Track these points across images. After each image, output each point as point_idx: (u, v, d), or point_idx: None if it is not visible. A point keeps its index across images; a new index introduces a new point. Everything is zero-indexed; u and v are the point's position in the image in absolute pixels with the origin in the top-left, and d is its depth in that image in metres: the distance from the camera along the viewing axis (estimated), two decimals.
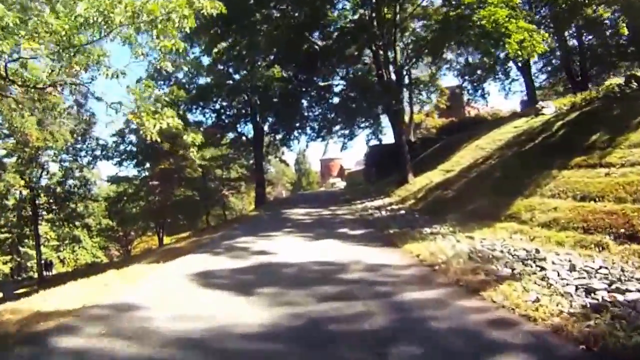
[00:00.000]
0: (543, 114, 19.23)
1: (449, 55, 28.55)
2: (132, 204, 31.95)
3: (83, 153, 32.72)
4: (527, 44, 16.33)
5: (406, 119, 35.15)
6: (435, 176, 18.77)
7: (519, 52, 16.51)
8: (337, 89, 25.21)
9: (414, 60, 21.40)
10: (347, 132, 26.03)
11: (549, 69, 32.71)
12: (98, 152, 32.23)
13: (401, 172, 20.19)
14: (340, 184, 55.94)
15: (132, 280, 6.84)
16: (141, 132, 8.10)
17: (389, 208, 15.78)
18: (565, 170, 10.45)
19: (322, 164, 67.75)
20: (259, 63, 23.04)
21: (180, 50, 7.96)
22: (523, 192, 10.40)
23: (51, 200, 30.63)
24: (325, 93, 24.71)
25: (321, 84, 23.02)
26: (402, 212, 14.27)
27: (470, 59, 32.17)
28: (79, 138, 31.36)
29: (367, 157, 35.09)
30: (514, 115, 25.91)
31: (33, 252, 43.66)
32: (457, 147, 21.56)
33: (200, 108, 28.27)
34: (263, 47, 20.19)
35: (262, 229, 12.15)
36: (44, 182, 30.95)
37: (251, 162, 30.60)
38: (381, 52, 19.99)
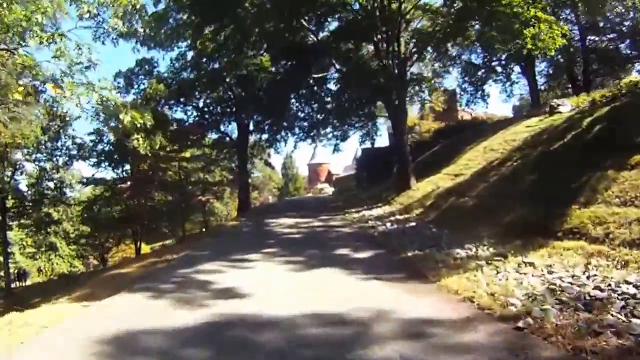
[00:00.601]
0: (559, 111, 16.90)
1: (453, 52, 26.12)
2: (107, 208, 28.68)
3: (58, 152, 29.66)
4: (545, 36, 14.20)
5: None
6: (441, 181, 16.30)
7: (536, 45, 14.39)
8: (331, 85, 22.67)
9: (418, 54, 18.77)
10: (339, 132, 23.29)
11: (550, 71, 30.75)
12: (75, 152, 28.99)
13: (402, 176, 17.59)
14: (329, 189, 53.27)
15: (12, 342, 4.01)
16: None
17: (392, 219, 13.12)
18: (625, 170, 8.05)
19: (309, 168, 64.98)
20: (246, 51, 20.20)
21: (138, 7, 5.62)
22: (577, 199, 7.88)
23: (22, 203, 27.16)
24: (317, 89, 22.08)
25: (315, 75, 20.15)
26: (412, 223, 11.62)
27: (473, 58, 30.21)
28: (52, 135, 28.11)
29: (358, 162, 32.55)
30: (518, 117, 23.69)
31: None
32: (460, 150, 19.20)
33: (181, 105, 25.29)
34: (250, 33, 17.39)
35: (237, 247, 9.41)
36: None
37: (234, 165, 27.55)
38: (384, 45, 17.44)
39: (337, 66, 18.25)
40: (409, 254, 7.39)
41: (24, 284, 38.23)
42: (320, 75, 19.54)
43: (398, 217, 13.52)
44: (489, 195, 10.97)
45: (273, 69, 19.55)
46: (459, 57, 29.83)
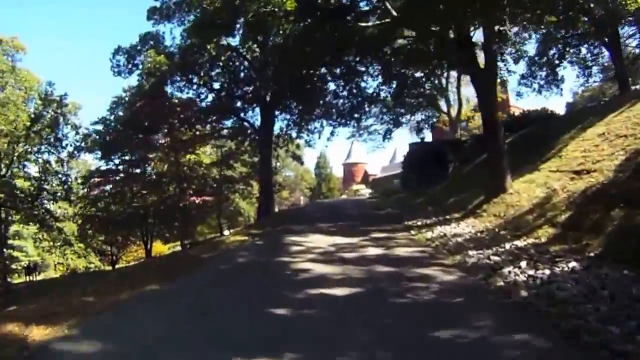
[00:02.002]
0: None
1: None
2: (116, 206, 23.69)
3: (59, 144, 25.28)
4: None
5: (453, 112, 26.03)
6: (553, 181, 10.35)
7: None
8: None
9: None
10: (390, 117, 16.98)
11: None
12: (81, 144, 24.51)
13: (495, 173, 11.27)
14: (365, 191, 46.88)
15: None
16: None
17: (512, 248, 6.91)
18: None
19: (344, 168, 58.72)
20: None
21: None
22: None
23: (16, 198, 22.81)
24: (360, 61, 15.98)
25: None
26: (573, 265, 5.25)
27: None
28: (48, 123, 23.59)
29: (405, 159, 26.03)
30: (612, 104, 16.81)
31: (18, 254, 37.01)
32: (550, 142, 13.44)
33: (194, 85, 19.82)
34: None
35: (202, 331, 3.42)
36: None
37: (256, 159, 21.72)
38: None
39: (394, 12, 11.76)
40: None
41: (33, 278, 34.74)
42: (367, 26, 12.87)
43: (518, 243, 7.27)
44: None
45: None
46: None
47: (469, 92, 31.29)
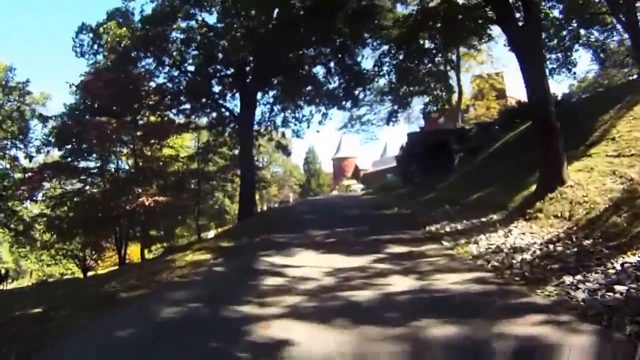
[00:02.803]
0: None
1: None
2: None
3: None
4: None
5: (452, 100, 23.00)
6: (624, 167, 7.89)
7: None
8: None
9: None
10: (394, 96, 13.86)
11: None
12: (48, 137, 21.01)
13: (547, 162, 8.27)
14: (357, 186, 43.77)
15: None
16: None
17: (636, 267, 3.73)
18: None
19: (334, 163, 55.45)
20: None
21: None
22: None
23: None
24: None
25: None
26: None
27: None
28: (6, 112, 20.26)
29: (404, 150, 22.99)
30: None
31: None
32: (584, 125, 10.91)
33: (159, 64, 16.36)
34: None
35: None
36: None
37: (236, 151, 18.29)
38: None
39: None
40: None
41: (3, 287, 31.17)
42: None
43: (631, 260, 4.23)
44: None
45: None
46: None
47: (465, 79, 28.69)
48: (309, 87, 15.74)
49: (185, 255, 7.12)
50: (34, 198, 22.06)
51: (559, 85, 72.00)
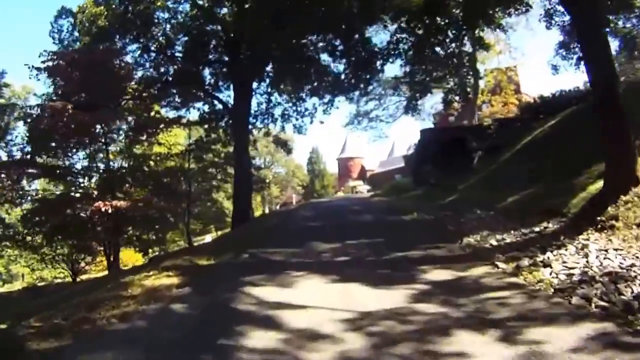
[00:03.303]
0: None
1: None
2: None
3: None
4: None
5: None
6: None
7: None
8: None
9: None
10: (413, 82, 12.03)
11: None
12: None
13: (616, 158, 6.29)
14: (363, 187, 41.86)
15: None
16: None
17: None
18: None
19: (339, 163, 53.42)
20: None
21: None
22: None
23: None
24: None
25: None
26: None
27: None
28: None
29: (417, 149, 21.10)
30: None
31: None
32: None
33: (144, 51, 14.60)
34: None
35: None
36: None
37: (232, 149, 16.35)
38: None
39: None
40: None
41: None
42: None
43: None
44: None
45: None
46: None
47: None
48: (312, 71, 13.82)
49: (147, 277, 5.27)
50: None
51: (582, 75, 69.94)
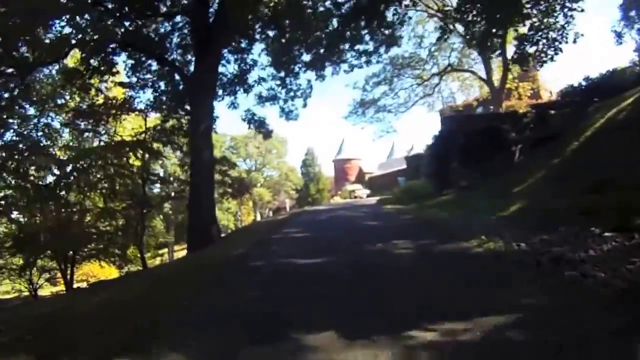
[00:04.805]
0: None
1: None
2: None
3: None
4: None
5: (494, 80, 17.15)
6: None
7: None
8: None
9: None
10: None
11: None
12: None
13: None
14: (362, 192, 37.53)
15: None
16: None
17: None
18: None
19: (335, 165, 49.10)
20: None
21: None
22: None
23: None
24: None
25: None
26: None
27: None
28: None
29: (438, 141, 16.76)
30: None
31: None
32: None
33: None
34: None
35: None
36: None
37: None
38: None
39: None
40: None
41: None
42: None
43: None
44: None
45: None
46: None
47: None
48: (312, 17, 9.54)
49: None
50: None
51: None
